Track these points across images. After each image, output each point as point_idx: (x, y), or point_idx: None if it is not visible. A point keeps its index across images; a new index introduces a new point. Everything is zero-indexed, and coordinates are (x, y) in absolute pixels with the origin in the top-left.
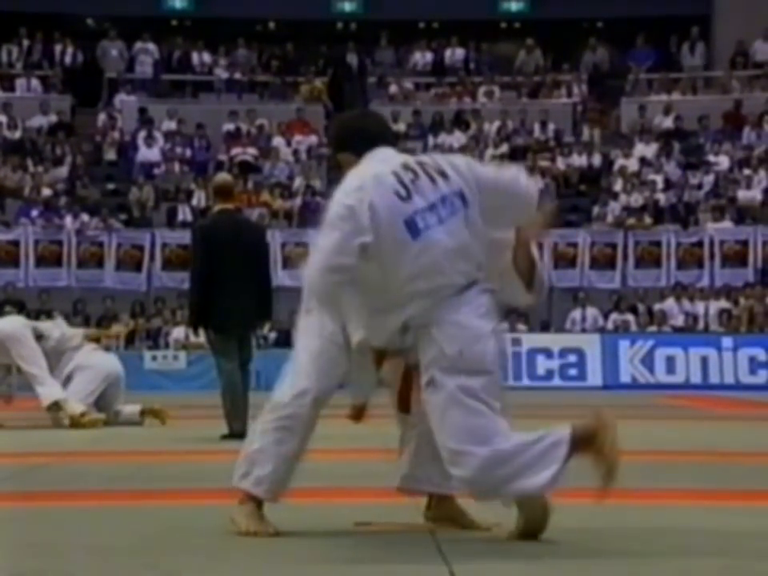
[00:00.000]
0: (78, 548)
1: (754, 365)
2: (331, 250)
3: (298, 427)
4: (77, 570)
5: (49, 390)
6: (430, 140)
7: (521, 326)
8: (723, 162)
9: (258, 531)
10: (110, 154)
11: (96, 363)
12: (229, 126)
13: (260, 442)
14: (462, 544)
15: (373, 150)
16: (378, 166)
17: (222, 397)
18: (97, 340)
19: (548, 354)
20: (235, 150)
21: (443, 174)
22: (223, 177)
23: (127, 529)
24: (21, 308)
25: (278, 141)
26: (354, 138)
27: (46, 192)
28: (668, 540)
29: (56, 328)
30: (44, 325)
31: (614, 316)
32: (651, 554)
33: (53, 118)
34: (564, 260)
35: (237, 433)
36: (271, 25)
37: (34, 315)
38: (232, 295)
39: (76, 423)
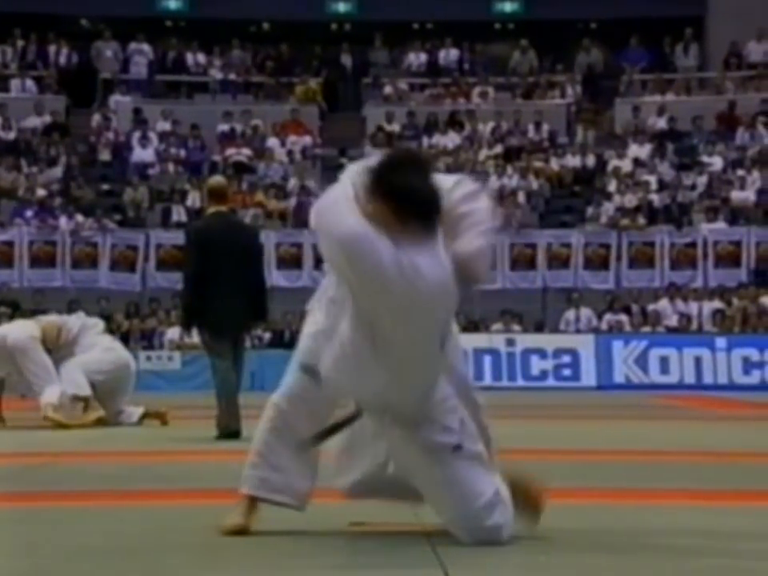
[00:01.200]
0: (73, 548)
1: (748, 365)
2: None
3: (287, 426)
4: (73, 570)
5: (45, 398)
6: (425, 141)
7: (515, 327)
8: (717, 162)
9: (230, 526)
10: (105, 155)
11: (118, 348)
12: (223, 127)
13: (258, 445)
14: (457, 545)
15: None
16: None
17: (216, 396)
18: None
19: (542, 354)
20: (230, 151)
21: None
22: (217, 179)
23: (123, 529)
24: (15, 309)
25: (272, 141)
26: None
27: (41, 192)
28: (663, 540)
29: (76, 317)
30: (62, 318)
31: (607, 316)
32: (646, 554)
33: (47, 119)
34: (558, 260)
35: (233, 431)
36: (266, 26)
37: (29, 316)
38: (225, 296)
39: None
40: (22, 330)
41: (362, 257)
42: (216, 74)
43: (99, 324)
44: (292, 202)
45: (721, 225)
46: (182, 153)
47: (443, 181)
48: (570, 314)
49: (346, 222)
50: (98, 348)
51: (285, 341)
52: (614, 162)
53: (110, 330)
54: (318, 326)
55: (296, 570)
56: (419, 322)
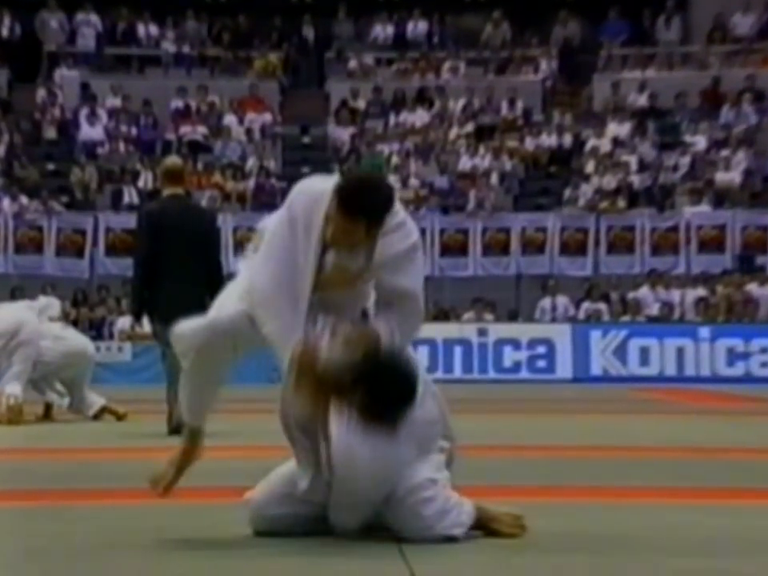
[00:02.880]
0: (16, 551)
1: (732, 356)
2: None
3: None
4: (20, 571)
5: (14, 389)
6: (392, 118)
7: (487, 316)
8: (700, 142)
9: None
10: (50, 133)
11: (70, 336)
12: (177, 103)
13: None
14: (423, 543)
15: None
16: None
17: (167, 388)
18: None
19: (516, 344)
20: (184, 129)
21: None
22: (173, 160)
23: (70, 530)
24: None
25: (229, 119)
26: None
27: None
28: (641, 541)
29: (38, 303)
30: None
31: (585, 305)
32: (623, 555)
33: None
34: (533, 246)
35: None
36: None
37: None
38: (179, 284)
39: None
40: (34, 325)
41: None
42: (169, 46)
43: (57, 304)
44: (251, 183)
45: (704, 208)
46: (133, 131)
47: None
48: (546, 303)
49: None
50: (48, 338)
51: None
52: (592, 142)
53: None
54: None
55: (254, 565)
56: None
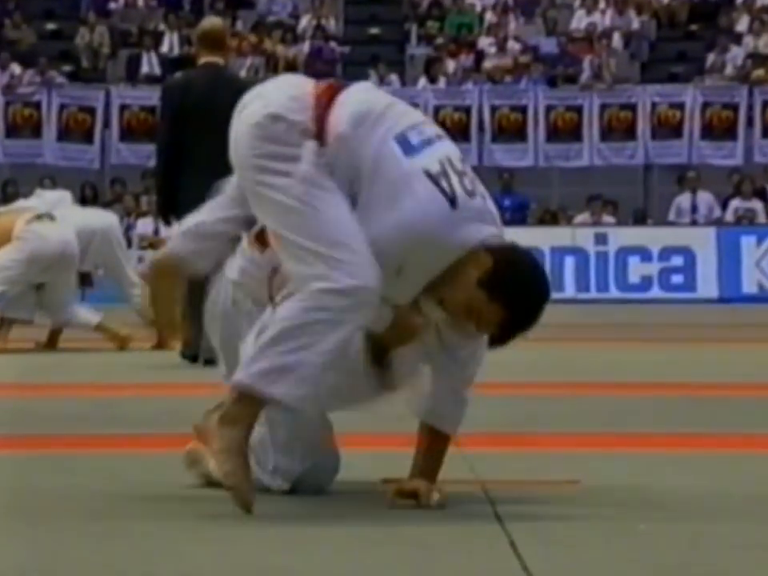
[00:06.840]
0: (16, 509)
1: None
2: None
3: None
4: (17, 536)
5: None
6: None
7: (607, 218)
8: None
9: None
10: None
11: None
12: None
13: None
14: (516, 501)
15: None
16: None
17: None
18: None
19: (644, 254)
20: None
21: None
22: (212, 21)
23: (73, 487)
24: None
25: None
26: None
27: None
28: None
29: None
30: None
31: (734, 203)
32: None
33: None
34: (666, 127)
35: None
36: None
37: None
38: (207, 178)
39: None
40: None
41: None
42: None
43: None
44: (304, 47)
45: None
46: None
47: None
48: (683, 201)
49: None
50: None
51: None
52: None
53: None
54: None
55: (325, 530)
56: None
